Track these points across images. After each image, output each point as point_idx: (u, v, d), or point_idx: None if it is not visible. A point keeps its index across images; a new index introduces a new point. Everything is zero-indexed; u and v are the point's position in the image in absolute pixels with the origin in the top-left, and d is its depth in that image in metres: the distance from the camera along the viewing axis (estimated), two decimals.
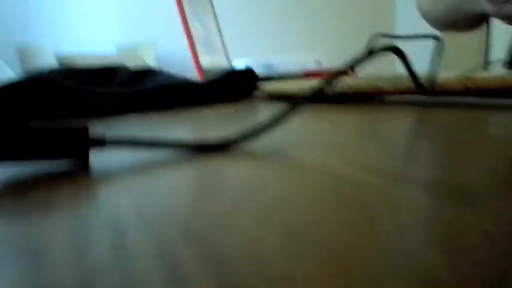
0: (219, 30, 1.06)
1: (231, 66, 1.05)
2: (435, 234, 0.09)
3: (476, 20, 0.59)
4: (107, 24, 2.23)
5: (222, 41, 1.07)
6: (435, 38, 0.43)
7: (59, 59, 1.47)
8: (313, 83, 0.49)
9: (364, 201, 0.12)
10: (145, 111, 0.43)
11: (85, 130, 0.20)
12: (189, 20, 0.76)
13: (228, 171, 0.17)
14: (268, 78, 0.83)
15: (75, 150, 0.19)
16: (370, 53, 0.22)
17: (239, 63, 1.14)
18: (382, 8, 2.99)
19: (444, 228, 0.10)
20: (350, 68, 0.22)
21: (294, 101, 0.21)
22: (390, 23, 3.02)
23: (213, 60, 0.89)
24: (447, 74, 0.50)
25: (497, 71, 0.61)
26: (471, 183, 0.13)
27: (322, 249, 0.09)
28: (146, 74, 0.50)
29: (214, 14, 1.04)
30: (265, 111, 0.41)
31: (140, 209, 0.13)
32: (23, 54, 1.53)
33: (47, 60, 1.43)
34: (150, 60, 1.78)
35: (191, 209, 0.12)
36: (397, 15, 3.03)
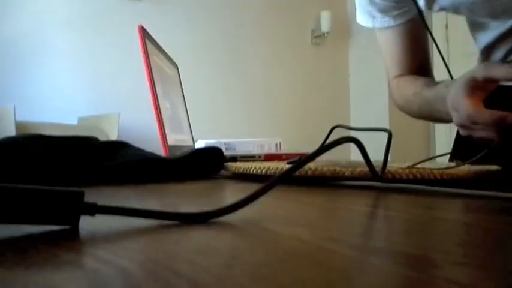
0: (186, 111, 1.11)
1: (194, 146, 1.09)
2: None
3: (444, 121, 0.68)
4: (70, 95, 2.25)
5: (188, 121, 1.11)
6: (386, 131, 0.48)
7: (18, 124, 1.45)
8: (275, 165, 0.53)
9: (334, 265, 0.15)
10: (116, 184, 0.45)
11: (81, 195, 0.21)
12: (159, 98, 0.80)
13: (214, 237, 0.19)
14: (231, 159, 0.86)
15: (69, 213, 0.21)
16: (336, 142, 0.26)
17: (201, 144, 1.18)
18: (339, 100, 3.21)
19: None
20: (318, 155, 0.25)
21: (268, 181, 0.24)
22: (346, 114, 3.23)
23: (179, 139, 0.92)
24: (397, 164, 0.56)
25: (440, 162, 0.68)
26: (423, 253, 0.16)
27: None
28: (117, 146, 0.52)
29: (183, 95, 1.10)
30: (233, 189, 0.44)
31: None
32: None
33: (6, 124, 1.42)
34: (113, 132, 1.80)
35: (176, 269, 0.14)
36: (352, 107, 3.26)
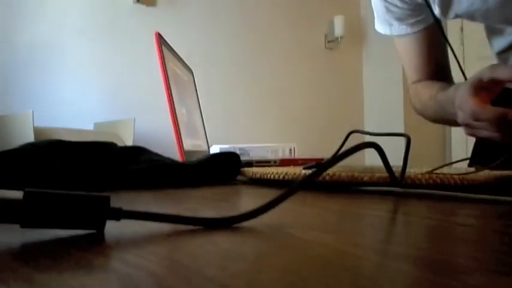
0: (201, 117, 1.11)
1: (209, 151, 1.10)
2: None
3: (457, 124, 0.68)
4: (87, 101, 2.29)
5: (203, 126, 1.12)
6: (404, 136, 0.48)
7: (36, 130, 1.48)
8: (292, 170, 0.53)
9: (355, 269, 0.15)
10: (135, 189, 0.45)
11: (107, 200, 0.22)
12: (175, 104, 0.80)
13: (240, 242, 0.19)
14: (247, 164, 0.86)
15: (96, 217, 0.21)
16: (356, 148, 0.26)
17: (216, 149, 1.19)
18: (353, 104, 3.20)
19: None
20: (339, 160, 0.25)
21: (290, 187, 0.25)
22: (360, 119, 3.22)
23: (194, 144, 0.93)
24: (414, 169, 0.55)
25: (459, 168, 0.67)
26: (450, 260, 0.16)
27: None
28: (136, 151, 0.53)
29: (198, 100, 1.11)
30: (251, 194, 0.44)
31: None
32: (1, 121, 1.55)
33: (25, 130, 1.44)
34: (128, 138, 1.81)
35: (206, 274, 0.15)
36: (366, 111, 3.24)
